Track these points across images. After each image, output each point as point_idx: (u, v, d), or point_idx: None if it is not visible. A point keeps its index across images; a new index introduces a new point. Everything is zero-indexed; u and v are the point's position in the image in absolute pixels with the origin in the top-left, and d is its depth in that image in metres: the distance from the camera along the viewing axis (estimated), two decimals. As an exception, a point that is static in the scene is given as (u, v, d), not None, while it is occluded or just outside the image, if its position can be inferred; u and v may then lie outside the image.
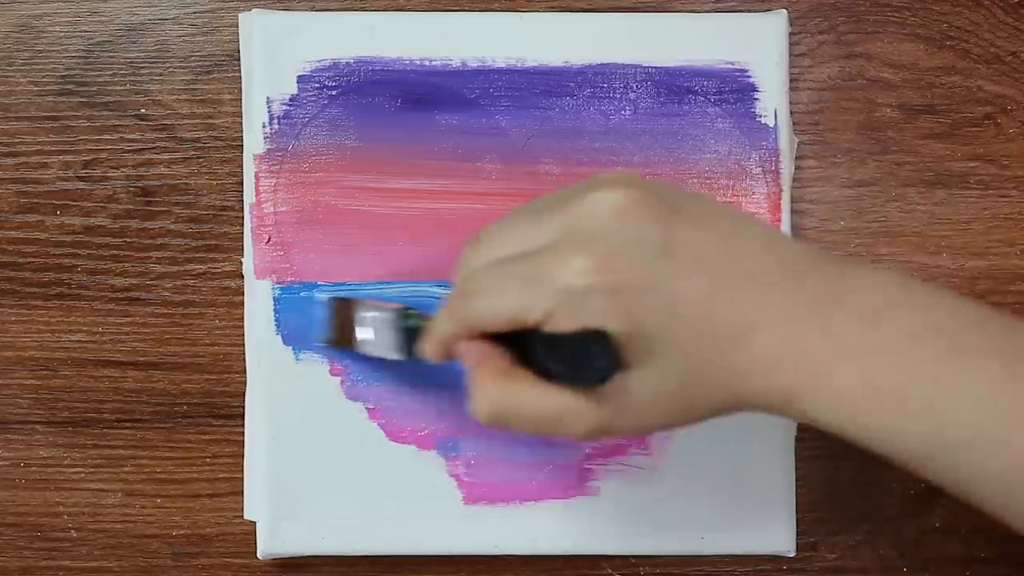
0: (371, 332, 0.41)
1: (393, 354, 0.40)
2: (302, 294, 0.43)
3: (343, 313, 0.42)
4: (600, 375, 0.30)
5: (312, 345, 0.43)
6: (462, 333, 0.34)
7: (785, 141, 0.44)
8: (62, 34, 0.45)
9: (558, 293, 0.31)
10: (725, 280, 0.31)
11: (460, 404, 0.43)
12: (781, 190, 0.44)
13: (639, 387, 0.31)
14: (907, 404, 0.30)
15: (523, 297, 0.32)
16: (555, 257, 0.31)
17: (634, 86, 0.43)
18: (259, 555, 0.43)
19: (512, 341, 0.33)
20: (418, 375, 0.43)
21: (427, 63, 0.43)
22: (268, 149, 0.43)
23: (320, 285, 0.43)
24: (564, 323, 0.31)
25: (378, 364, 0.43)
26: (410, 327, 0.39)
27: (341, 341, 0.42)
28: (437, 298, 0.43)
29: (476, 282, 0.33)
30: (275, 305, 0.43)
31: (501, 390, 0.32)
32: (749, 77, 0.43)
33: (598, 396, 0.31)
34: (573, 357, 0.31)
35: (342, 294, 0.43)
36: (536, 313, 0.31)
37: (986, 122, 0.45)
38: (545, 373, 0.32)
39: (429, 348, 0.35)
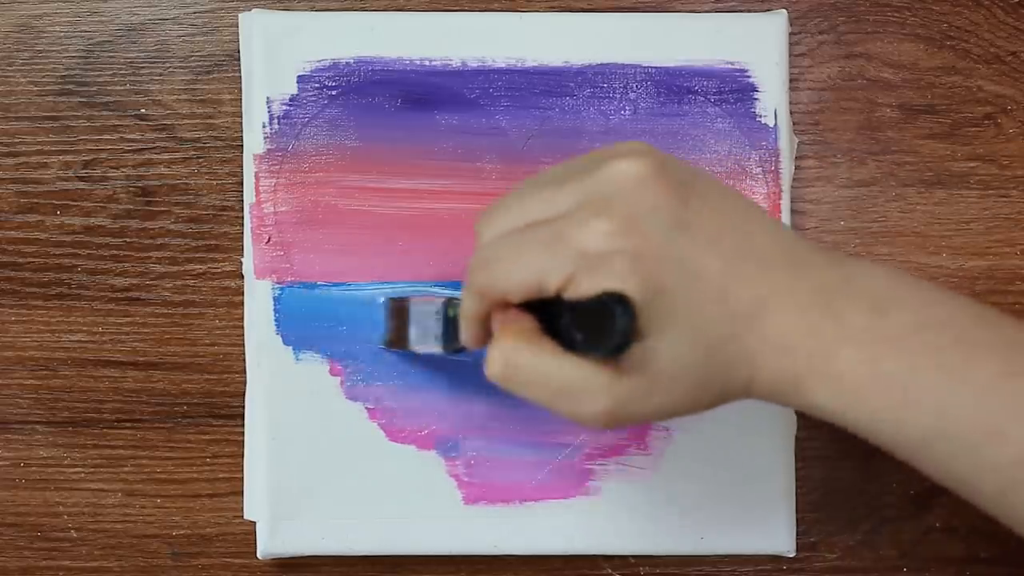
0: (420, 328, 0.40)
1: (438, 348, 0.40)
2: (304, 292, 0.43)
3: (398, 313, 0.41)
4: (619, 340, 0.30)
5: (312, 345, 0.43)
6: (487, 306, 0.33)
7: (785, 141, 0.44)
8: (62, 34, 0.45)
9: (578, 256, 0.31)
10: (737, 260, 0.31)
11: (460, 404, 0.43)
12: (781, 190, 0.44)
13: (656, 360, 0.31)
14: (910, 392, 0.30)
15: (543, 261, 0.31)
16: (575, 221, 0.31)
17: (634, 86, 0.43)
18: (259, 555, 0.43)
19: (542, 314, 0.33)
20: (418, 375, 0.43)
21: (427, 63, 0.43)
22: (268, 149, 0.43)
23: (320, 285, 0.43)
24: (584, 287, 0.31)
25: (401, 384, 0.43)
26: (455, 316, 0.38)
27: (398, 342, 0.41)
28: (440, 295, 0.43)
29: (494, 250, 0.33)
30: (275, 305, 0.43)
31: (518, 349, 0.32)
32: (749, 77, 0.43)
33: (616, 370, 0.31)
34: (592, 322, 0.30)
35: (398, 293, 0.42)
36: (556, 277, 0.31)
37: (986, 122, 0.45)
38: (569, 345, 0.32)
39: (464, 333, 0.35)
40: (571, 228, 0.31)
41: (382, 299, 0.43)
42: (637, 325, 0.30)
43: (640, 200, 0.31)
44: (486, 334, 0.34)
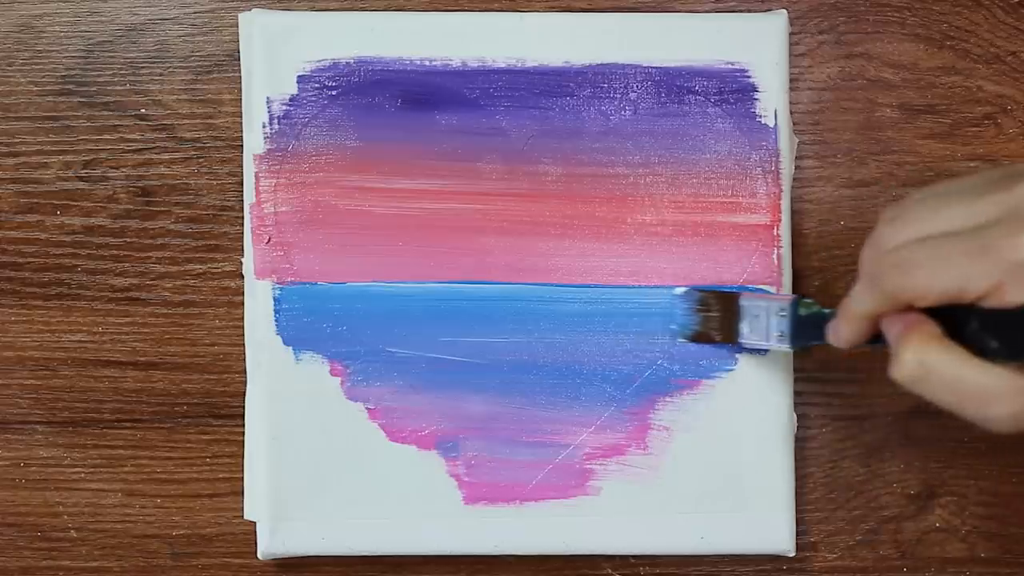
0: (752, 324, 0.42)
1: (781, 345, 0.41)
2: (304, 292, 0.43)
3: (720, 306, 0.42)
4: None
5: (312, 345, 0.43)
6: (887, 309, 0.34)
7: (785, 141, 0.43)
8: (62, 34, 0.45)
9: (1007, 266, 0.31)
10: None
11: (460, 404, 0.43)
12: (781, 190, 0.44)
13: None
14: None
15: (967, 269, 0.32)
16: (1004, 232, 0.31)
17: (634, 86, 0.43)
18: (259, 555, 0.43)
19: (938, 319, 0.33)
20: (418, 375, 0.43)
21: (427, 63, 0.43)
22: (268, 149, 0.43)
23: (320, 285, 0.43)
24: (1013, 296, 0.31)
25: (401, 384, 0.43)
26: (806, 315, 0.40)
27: (714, 335, 0.43)
28: (443, 299, 0.43)
29: (911, 256, 0.33)
30: (275, 305, 0.43)
31: (932, 352, 0.33)
32: (749, 77, 0.43)
33: None
34: (1014, 332, 0.31)
35: (707, 286, 0.43)
36: (979, 286, 0.31)
37: (986, 122, 0.45)
38: (979, 351, 0.32)
39: (847, 328, 0.36)
40: (999, 238, 0.31)
41: (684, 290, 0.43)
42: None
43: None
44: (869, 334, 0.36)
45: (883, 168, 0.45)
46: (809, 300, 0.41)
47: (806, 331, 0.40)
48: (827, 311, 0.39)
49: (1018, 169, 0.33)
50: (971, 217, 0.33)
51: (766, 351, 0.43)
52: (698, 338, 0.43)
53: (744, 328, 0.42)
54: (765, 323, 0.41)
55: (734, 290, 0.43)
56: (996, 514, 0.45)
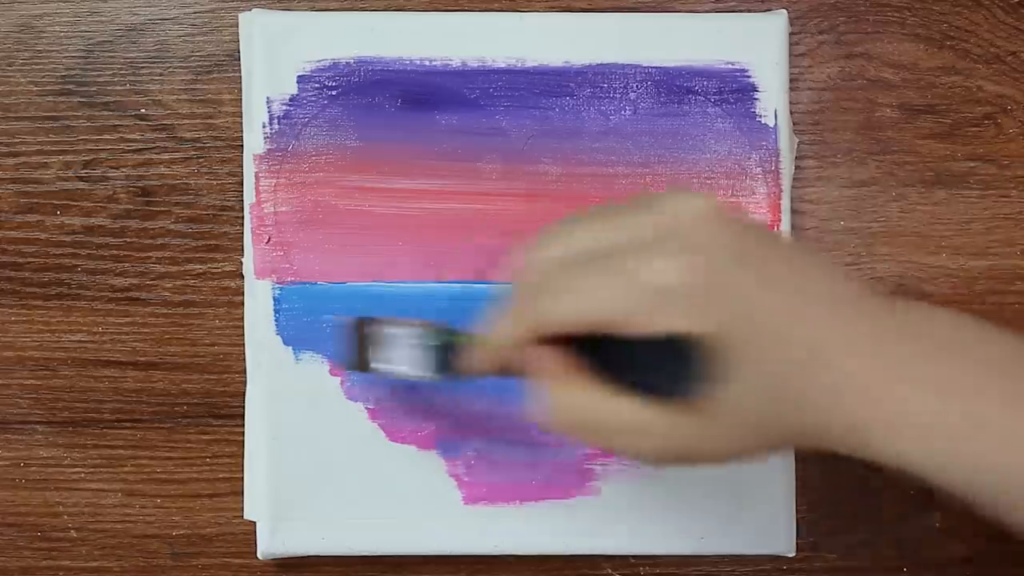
0: (401, 353, 0.39)
1: (424, 373, 0.38)
2: (304, 292, 0.43)
3: (366, 335, 0.40)
4: (685, 383, 0.29)
5: (312, 345, 0.43)
6: (529, 337, 0.32)
7: (785, 141, 0.44)
8: (62, 34, 0.45)
9: (643, 292, 0.30)
10: (798, 300, 0.30)
11: (460, 404, 0.43)
12: (781, 190, 0.44)
13: (722, 403, 0.30)
14: (980, 432, 0.29)
15: (604, 296, 0.30)
16: (639, 256, 0.30)
17: (634, 86, 0.44)
18: (259, 555, 0.43)
19: (581, 348, 0.32)
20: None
21: (427, 63, 0.43)
22: (268, 149, 0.43)
23: (320, 285, 0.43)
24: (649, 324, 0.30)
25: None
26: (442, 343, 0.37)
27: (362, 365, 0.40)
28: (442, 298, 0.43)
29: (552, 281, 0.32)
30: (275, 305, 0.43)
31: (574, 396, 0.31)
32: (749, 77, 0.43)
33: (680, 411, 0.30)
34: (658, 364, 0.30)
35: (364, 315, 0.40)
36: (618, 313, 0.30)
37: (986, 122, 0.45)
38: (624, 382, 0.31)
39: (483, 360, 0.34)
40: (635, 262, 0.30)
41: (343, 320, 0.41)
42: (701, 366, 0.29)
43: (703, 235, 0.30)
44: (511, 364, 0.33)
45: (883, 168, 0.45)
46: (442, 326, 0.38)
47: (446, 359, 0.37)
48: (462, 339, 0.36)
49: (652, 195, 0.32)
50: (609, 240, 0.31)
51: (417, 379, 0.39)
52: (355, 368, 0.40)
53: (388, 356, 0.39)
54: (408, 351, 0.38)
55: (372, 317, 0.40)
56: (996, 514, 0.45)
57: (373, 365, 0.39)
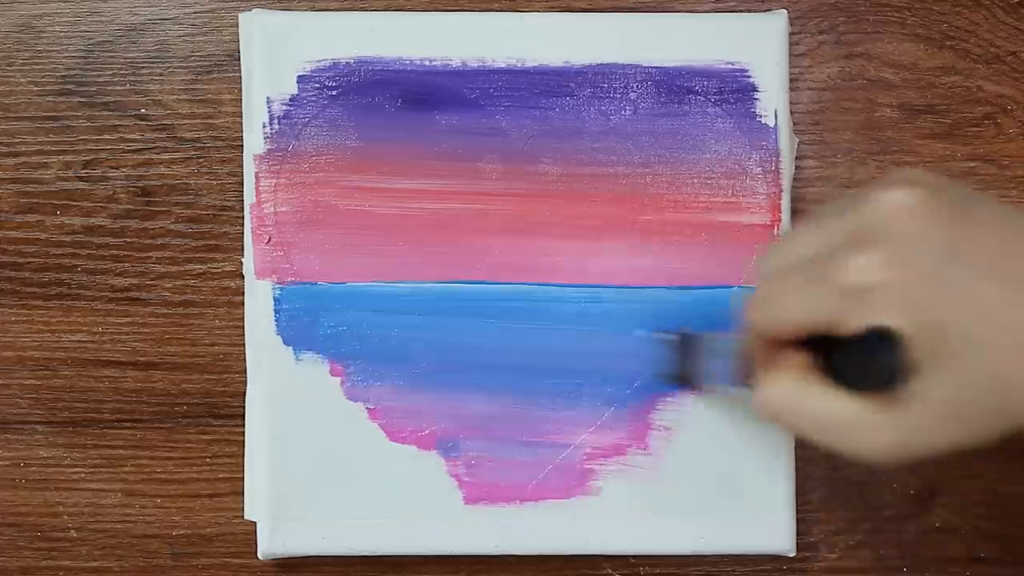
0: (713, 365, 0.40)
1: (734, 385, 0.39)
2: (304, 292, 0.43)
3: (689, 349, 0.41)
4: (886, 377, 0.29)
5: (312, 345, 0.43)
6: (764, 343, 0.33)
7: (785, 141, 0.44)
8: (62, 34, 0.45)
9: (841, 293, 0.30)
10: (1019, 285, 0.30)
11: (460, 404, 0.43)
12: (781, 190, 0.44)
13: (934, 395, 0.30)
14: None
15: (810, 299, 0.31)
16: (838, 258, 0.31)
17: (634, 86, 0.43)
18: (259, 555, 0.43)
19: (817, 350, 0.33)
20: (418, 375, 0.43)
21: (427, 63, 0.43)
22: (268, 149, 0.43)
23: (320, 285, 0.43)
24: (851, 323, 0.30)
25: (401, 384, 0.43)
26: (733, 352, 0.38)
27: (687, 378, 0.41)
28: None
29: (769, 289, 0.33)
30: (275, 305, 0.43)
31: (790, 383, 0.32)
32: (749, 77, 0.43)
33: (891, 407, 0.30)
34: (861, 360, 0.30)
35: (687, 330, 0.41)
36: (821, 315, 0.31)
37: (986, 122, 0.45)
38: (841, 381, 0.32)
39: (743, 369, 0.35)
40: (833, 265, 0.31)
41: (665, 334, 0.42)
42: (907, 360, 0.30)
43: (906, 230, 0.30)
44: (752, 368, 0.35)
45: (883, 168, 0.45)
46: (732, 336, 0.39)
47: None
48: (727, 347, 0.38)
49: (863, 190, 0.32)
50: (820, 245, 0.32)
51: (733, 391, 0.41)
52: (679, 382, 0.42)
53: (711, 369, 0.40)
54: (722, 363, 0.40)
55: (695, 331, 0.41)
56: (996, 514, 0.45)
57: (698, 380, 0.41)
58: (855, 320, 0.30)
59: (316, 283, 0.43)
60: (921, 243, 0.30)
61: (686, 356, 0.41)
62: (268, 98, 0.43)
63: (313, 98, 0.43)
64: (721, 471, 0.43)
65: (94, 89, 0.45)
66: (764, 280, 0.34)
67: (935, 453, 0.31)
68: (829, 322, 0.31)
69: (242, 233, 0.44)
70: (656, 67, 0.43)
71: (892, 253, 0.30)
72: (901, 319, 0.30)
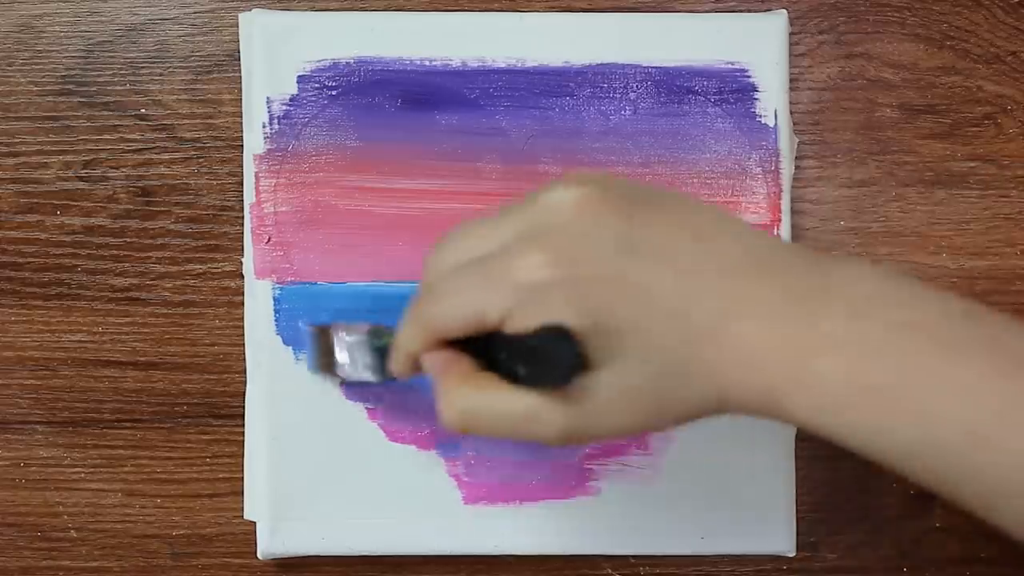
0: (347, 356, 0.41)
1: (370, 376, 0.40)
2: (304, 292, 0.43)
3: (324, 340, 0.41)
4: (562, 373, 0.29)
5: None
6: (427, 342, 0.33)
7: (785, 141, 0.44)
8: (62, 34, 0.45)
9: (514, 290, 0.30)
10: (695, 273, 0.30)
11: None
12: (781, 190, 0.44)
13: (608, 385, 0.30)
14: (894, 400, 0.29)
15: (479, 297, 0.31)
16: (510, 255, 0.31)
17: (634, 86, 0.43)
18: (259, 555, 0.43)
19: (479, 349, 0.32)
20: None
21: (427, 63, 0.43)
22: (268, 149, 0.43)
23: (320, 285, 0.43)
24: (523, 321, 0.30)
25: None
26: (383, 346, 0.39)
27: (325, 368, 0.42)
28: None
29: (435, 287, 0.33)
30: (275, 305, 0.43)
31: (466, 395, 0.32)
32: (749, 77, 0.43)
33: (565, 397, 0.30)
34: (535, 357, 0.30)
35: (325, 321, 0.42)
36: (493, 312, 0.31)
37: (986, 122, 0.45)
38: (512, 377, 0.31)
39: (396, 364, 0.35)
40: (506, 262, 0.31)
41: (307, 327, 0.42)
42: (582, 355, 0.30)
43: (577, 226, 0.31)
44: (417, 368, 0.34)
45: (883, 168, 0.45)
46: (387, 329, 0.39)
47: (386, 362, 0.38)
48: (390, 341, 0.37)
49: (538, 190, 0.32)
50: (492, 241, 0.32)
51: (377, 382, 0.41)
52: (319, 371, 0.42)
53: (341, 361, 0.41)
54: (357, 355, 0.40)
55: (344, 321, 0.41)
56: (996, 514, 0.45)
57: (334, 369, 0.41)
58: (527, 318, 0.30)
59: (316, 283, 0.43)
60: (595, 239, 0.30)
61: (323, 347, 0.41)
62: (268, 98, 0.43)
63: (313, 98, 0.43)
64: (721, 471, 0.43)
65: (94, 89, 0.45)
66: (434, 276, 0.33)
67: (608, 438, 0.33)
68: (500, 320, 0.31)
69: (242, 233, 0.44)
70: (656, 67, 0.43)
71: (559, 250, 0.30)
72: (571, 315, 0.30)
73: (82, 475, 0.45)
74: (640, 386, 0.30)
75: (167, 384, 0.45)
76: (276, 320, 0.43)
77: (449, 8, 0.45)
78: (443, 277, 0.33)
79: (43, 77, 0.45)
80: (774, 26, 0.44)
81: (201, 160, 0.45)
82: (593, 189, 0.31)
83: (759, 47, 0.43)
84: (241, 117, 0.44)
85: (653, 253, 0.30)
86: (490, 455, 0.43)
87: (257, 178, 0.43)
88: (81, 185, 0.45)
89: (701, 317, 0.30)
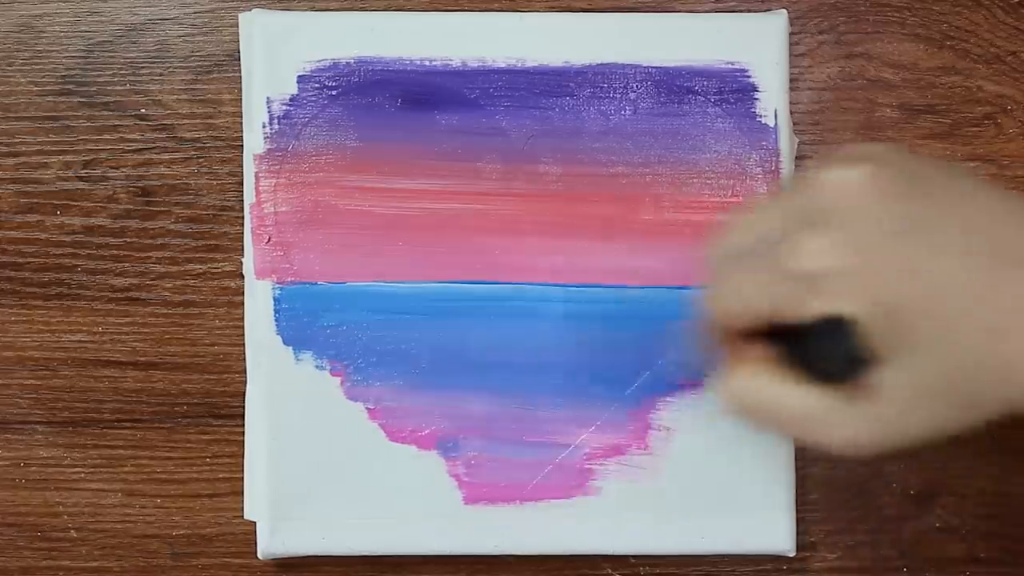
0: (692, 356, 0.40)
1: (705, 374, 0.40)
2: (304, 292, 0.43)
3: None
4: (843, 366, 0.28)
5: (312, 345, 0.43)
6: (720, 333, 0.32)
7: (785, 141, 0.44)
8: (62, 34, 0.45)
9: (792, 280, 0.29)
10: (987, 261, 0.28)
11: (460, 404, 0.43)
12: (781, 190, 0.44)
13: (900, 385, 0.28)
14: None
15: (759, 287, 0.30)
16: (788, 243, 0.29)
17: (634, 86, 0.43)
18: (259, 555, 0.43)
19: (780, 340, 0.31)
20: (418, 375, 0.43)
21: (427, 63, 0.43)
22: (268, 149, 0.43)
23: (320, 285, 0.43)
24: (802, 312, 0.29)
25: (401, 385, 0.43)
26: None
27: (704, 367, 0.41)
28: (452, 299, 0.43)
29: (715, 279, 0.32)
30: (275, 305, 0.43)
31: (754, 381, 0.31)
32: (749, 77, 0.43)
33: (853, 397, 0.29)
34: (820, 348, 0.29)
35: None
36: (775, 303, 0.29)
37: (986, 122, 0.45)
38: (806, 371, 0.30)
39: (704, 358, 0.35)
40: (782, 251, 0.29)
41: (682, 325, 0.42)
42: (867, 348, 0.28)
43: (858, 209, 0.29)
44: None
45: (883, 168, 0.45)
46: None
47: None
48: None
49: (812, 170, 0.31)
50: (770, 229, 0.31)
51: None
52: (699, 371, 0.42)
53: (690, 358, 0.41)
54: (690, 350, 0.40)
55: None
56: (996, 514, 0.45)
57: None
58: (808, 308, 0.29)
59: (316, 283, 0.43)
60: (872, 222, 0.29)
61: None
62: (268, 98, 0.43)
63: (313, 98, 0.43)
64: (721, 471, 0.43)
65: (94, 89, 0.45)
66: (715, 268, 0.32)
67: (905, 444, 0.30)
68: (782, 310, 0.29)
69: (242, 233, 0.44)
70: (656, 67, 0.43)
71: (842, 236, 0.29)
72: (855, 306, 0.28)
73: (82, 475, 0.45)
74: (932, 385, 0.28)
75: (167, 384, 0.45)
76: (276, 320, 0.43)
77: (449, 8, 0.45)
78: (722, 269, 0.32)
79: (43, 77, 0.45)
80: (774, 26, 0.44)
81: (201, 160, 0.45)
82: (872, 168, 0.29)
83: (759, 47, 0.43)
84: (241, 117, 0.44)
85: (940, 239, 0.28)
86: (490, 455, 0.43)
87: (257, 178, 0.43)
88: (81, 185, 0.45)
89: (994, 312, 0.28)
